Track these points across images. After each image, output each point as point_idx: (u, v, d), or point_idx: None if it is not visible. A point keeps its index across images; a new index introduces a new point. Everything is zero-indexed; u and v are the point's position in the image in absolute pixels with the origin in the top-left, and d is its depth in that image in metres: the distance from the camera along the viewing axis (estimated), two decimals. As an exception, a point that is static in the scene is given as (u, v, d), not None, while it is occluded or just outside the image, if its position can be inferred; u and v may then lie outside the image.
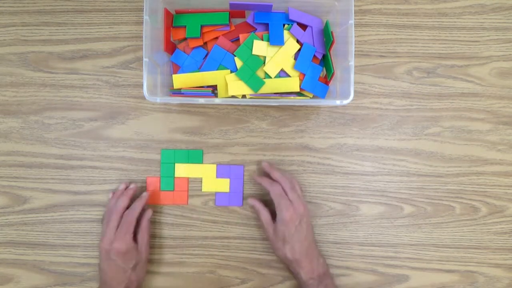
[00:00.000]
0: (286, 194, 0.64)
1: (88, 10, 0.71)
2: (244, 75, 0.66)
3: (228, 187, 0.70)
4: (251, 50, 0.66)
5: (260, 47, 0.66)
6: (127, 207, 0.65)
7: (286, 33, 0.67)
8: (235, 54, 0.66)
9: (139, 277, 0.64)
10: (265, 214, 0.65)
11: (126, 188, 0.69)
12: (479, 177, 0.71)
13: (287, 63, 0.67)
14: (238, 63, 0.67)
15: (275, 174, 0.66)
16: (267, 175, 0.68)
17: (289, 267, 0.66)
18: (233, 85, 0.66)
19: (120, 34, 0.71)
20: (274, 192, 0.64)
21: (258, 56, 0.66)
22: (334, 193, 0.71)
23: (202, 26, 0.67)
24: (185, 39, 0.69)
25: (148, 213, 0.66)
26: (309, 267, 0.63)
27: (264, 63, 0.67)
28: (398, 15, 0.72)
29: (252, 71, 0.66)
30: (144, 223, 0.66)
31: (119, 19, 0.71)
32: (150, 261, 0.69)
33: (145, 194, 0.67)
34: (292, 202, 0.63)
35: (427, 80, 0.71)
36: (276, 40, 0.66)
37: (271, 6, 0.65)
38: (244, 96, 0.67)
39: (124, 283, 0.62)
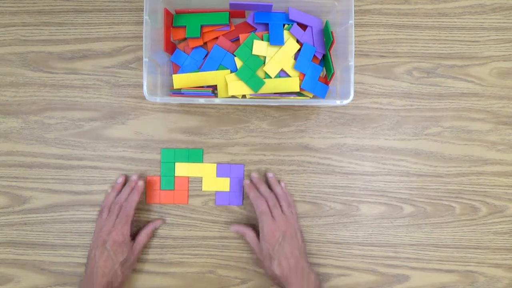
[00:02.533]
0: (270, 211, 0.64)
1: (88, 10, 0.71)
2: (244, 75, 0.66)
3: (228, 186, 0.70)
4: (251, 50, 0.66)
5: (260, 47, 0.66)
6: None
7: (286, 33, 0.67)
8: (235, 54, 0.66)
9: (124, 274, 0.64)
10: (250, 235, 0.66)
11: (125, 181, 0.69)
12: (479, 177, 0.71)
13: (287, 63, 0.67)
14: (238, 63, 0.67)
15: (261, 189, 0.67)
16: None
17: (279, 286, 0.64)
18: (233, 85, 0.66)
19: (120, 34, 0.71)
20: (258, 209, 0.64)
21: (258, 56, 0.66)
22: (334, 193, 0.71)
23: (202, 26, 0.67)
24: (185, 39, 0.69)
25: (157, 222, 0.69)
26: (298, 285, 0.61)
27: (264, 63, 0.67)
28: (398, 15, 0.72)
29: (252, 71, 0.66)
30: (149, 227, 0.67)
31: (119, 19, 0.71)
32: (150, 261, 0.69)
33: (140, 183, 0.67)
34: (274, 219, 0.63)
35: (427, 80, 0.71)
36: (276, 40, 0.66)
37: (271, 6, 0.65)
38: (244, 96, 0.67)
39: (109, 276, 0.62)
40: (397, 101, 0.71)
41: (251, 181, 0.69)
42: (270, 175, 0.69)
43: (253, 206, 0.68)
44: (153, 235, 0.70)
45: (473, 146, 0.71)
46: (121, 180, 0.69)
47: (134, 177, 0.68)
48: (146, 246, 0.69)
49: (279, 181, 0.69)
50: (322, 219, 0.70)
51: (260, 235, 0.64)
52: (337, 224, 0.71)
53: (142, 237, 0.66)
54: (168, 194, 0.70)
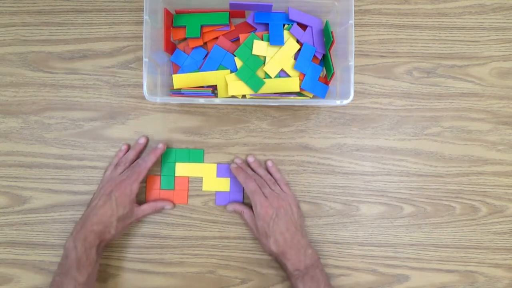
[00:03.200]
0: (261, 189, 0.65)
1: (88, 10, 0.71)
2: (244, 75, 0.66)
3: (229, 186, 0.70)
4: (251, 50, 0.66)
5: (260, 47, 0.66)
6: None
7: (286, 33, 0.67)
8: (235, 54, 0.66)
9: (117, 230, 0.63)
10: (247, 213, 0.66)
11: (128, 148, 0.70)
12: (479, 177, 0.71)
13: (287, 63, 0.67)
14: (238, 63, 0.67)
15: (249, 171, 0.68)
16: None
17: (277, 261, 0.66)
18: (233, 85, 0.66)
19: (120, 34, 0.71)
20: (249, 189, 0.65)
21: (258, 56, 0.66)
22: (334, 193, 0.71)
23: (202, 26, 0.67)
24: (185, 39, 0.69)
25: (167, 203, 0.69)
26: (295, 259, 0.62)
27: (264, 63, 0.67)
28: (398, 15, 0.72)
29: (252, 71, 0.66)
30: (158, 203, 0.68)
31: (119, 19, 0.71)
32: (150, 261, 0.69)
33: (160, 146, 0.68)
34: (266, 197, 0.64)
35: (427, 80, 0.71)
36: (276, 40, 0.66)
37: (271, 6, 0.65)
38: (244, 96, 0.67)
39: (103, 225, 0.62)
40: (397, 101, 0.71)
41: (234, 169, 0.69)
42: (269, 163, 0.70)
43: (234, 211, 0.69)
44: (153, 235, 0.70)
45: (473, 146, 0.71)
46: (143, 141, 0.69)
47: (159, 145, 0.68)
48: (147, 216, 0.69)
49: (265, 162, 0.70)
50: (322, 219, 0.70)
51: (255, 214, 0.64)
52: (337, 224, 0.71)
53: (148, 206, 0.67)
54: (168, 194, 0.70)
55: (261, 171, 0.68)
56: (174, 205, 0.70)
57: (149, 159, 0.66)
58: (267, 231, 0.63)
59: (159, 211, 0.69)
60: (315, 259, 0.63)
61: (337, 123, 0.71)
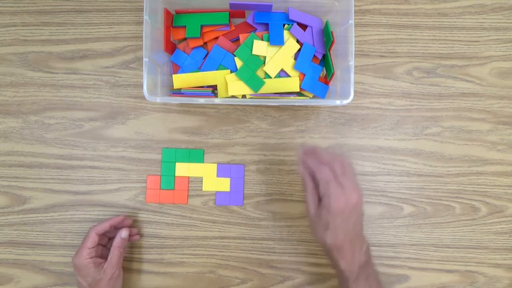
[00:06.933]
0: (338, 179, 0.54)
1: (88, 10, 0.71)
2: (244, 75, 0.66)
3: (229, 186, 0.70)
4: (251, 50, 0.66)
5: (260, 47, 0.66)
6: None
7: (286, 33, 0.67)
8: (235, 54, 0.66)
9: None
10: (310, 191, 0.56)
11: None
12: (479, 177, 0.71)
13: (287, 63, 0.66)
14: (238, 63, 0.67)
15: (324, 157, 0.56)
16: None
17: (325, 252, 0.58)
18: (233, 85, 0.66)
19: (120, 34, 0.71)
20: (322, 176, 0.54)
21: (258, 56, 0.66)
22: (334, 193, 0.71)
23: (202, 26, 0.67)
24: (185, 39, 0.69)
25: (123, 232, 0.64)
26: (350, 257, 0.55)
27: (264, 63, 0.67)
28: (398, 15, 0.72)
29: (252, 71, 0.66)
30: (116, 240, 0.63)
31: (119, 19, 0.71)
32: (150, 261, 0.69)
33: (121, 217, 0.66)
34: (344, 189, 0.53)
35: (427, 80, 0.71)
36: (276, 40, 0.66)
37: (271, 6, 0.65)
38: (244, 96, 0.67)
39: None
40: (397, 101, 0.71)
41: (304, 152, 0.58)
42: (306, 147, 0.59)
43: (302, 176, 0.58)
44: (153, 235, 0.70)
45: (473, 146, 0.71)
46: (124, 234, 0.65)
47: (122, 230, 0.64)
48: (121, 260, 0.64)
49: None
50: (322, 219, 0.70)
51: (324, 204, 0.54)
52: (337, 224, 0.70)
53: (112, 254, 0.62)
54: (168, 194, 0.70)
55: (334, 159, 0.56)
56: (127, 231, 0.65)
57: (101, 223, 0.64)
58: (330, 224, 0.54)
59: (123, 242, 0.64)
60: (368, 255, 0.57)
61: (337, 123, 0.71)
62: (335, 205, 0.53)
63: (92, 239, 0.62)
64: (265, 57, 0.66)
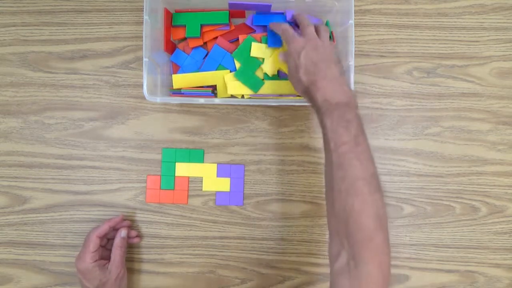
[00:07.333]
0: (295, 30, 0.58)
1: (88, 10, 0.71)
2: (242, 77, 0.66)
3: (229, 186, 0.70)
4: (249, 52, 0.66)
5: (258, 50, 0.66)
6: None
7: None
8: (233, 56, 0.66)
9: None
10: (287, 28, 0.59)
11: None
12: (479, 177, 0.71)
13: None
14: (238, 63, 0.67)
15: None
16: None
17: (307, 99, 0.57)
18: (232, 85, 0.66)
19: (120, 34, 0.71)
20: (280, 28, 0.60)
21: (256, 57, 0.66)
22: (334, 193, 0.71)
23: (202, 26, 0.67)
24: (185, 38, 0.69)
25: (122, 231, 0.65)
26: (326, 89, 0.53)
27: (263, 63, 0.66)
28: (398, 15, 0.72)
29: (250, 72, 0.66)
30: (116, 240, 0.64)
31: (119, 19, 0.71)
32: (150, 261, 0.69)
33: (119, 217, 0.66)
34: (300, 35, 0.58)
35: (427, 80, 0.71)
36: (274, 42, 0.66)
37: (270, 6, 0.65)
38: (243, 96, 0.67)
39: None
40: (397, 101, 0.71)
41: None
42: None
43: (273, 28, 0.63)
44: (153, 235, 0.70)
45: (473, 146, 0.71)
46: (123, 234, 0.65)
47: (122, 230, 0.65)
48: (124, 259, 0.65)
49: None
50: (322, 219, 0.70)
51: (288, 49, 0.58)
52: (337, 224, 0.70)
53: (114, 254, 0.63)
54: (168, 194, 0.70)
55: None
56: (126, 230, 0.66)
57: (101, 226, 0.64)
58: (297, 62, 0.56)
59: (124, 241, 0.65)
60: (351, 100, 0.53)
61: (337, 123, 0.71)
62: (291, 45, 0.57)
63: (94, 243, 0.62)
64: (263, 59, 0.66)
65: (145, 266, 0.70)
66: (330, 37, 0.63)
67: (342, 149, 0.50)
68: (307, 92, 0.56)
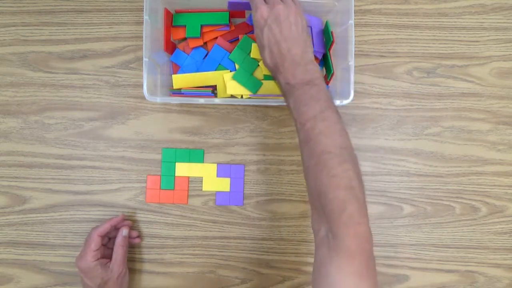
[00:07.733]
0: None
1: (88, 10, 0.71)
2: (241, 78, 0.66)
3: (229, 186, 0.70)
4: (246, 53, 0.66)
5: (258, 50, 0.66)
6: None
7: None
8: (230, 58, 0.66)
9: None
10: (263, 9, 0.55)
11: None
12: (479, 177, 0.71)
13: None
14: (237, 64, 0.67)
15: None
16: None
17: (274, 78, 0.57)
18: (231, 85, 0.66)
19: (120, 34, 0.71)
20: None
21: (255, 58, 0.66)
22: (334, 193, 0.71)
23: (202, 26, 0.67)
24: (185, 39, 0.69)
25: (124, 230, 0.65)
26: (289, 71, 0.53)
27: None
28: (398, 15, 0.72)
29: (248, 73, 0.66)
30: (118, 239, 0.64)
31: (119, 19, 0.71)
32: (150, 261, 0.69)
33: (120, 216, 0.66)
34: (267, 3, 0.55)
35: (427, 80, 0.71)
36: None
37: (271, 6, 0.65)
38: (243, 96, 0.67)
39: None
40: (397, 101, 0.71)
41: None
42: None
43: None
44: (153, 235, 0.70)
45: (473, 146, 0.71)
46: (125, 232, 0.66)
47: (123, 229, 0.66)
48: (126, 258, 0.65)
49: None
50: (322, 219, 0.70)
51: (253, 21, 0.56)
52: (337, 224, 0.70)
53: (116, 253, 0.63)
54: (168, 194, 0.70)
55: None
56: (127, 229, 0.66)
57: (102, 225, 0.64)
58: (262, 42, 0.55)
59: (125, 240, 0.65)
60: (314, 76, 0.53)
61: (337, 123, 0.71)
62: (255, 16, 0.55)
63: (96, 242, 0.62)
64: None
65: (145, 266, 0.70)
66: (330, 38, 0.63)
67: (307, 125, 0.50)
68: (274, 77, 0.56)
